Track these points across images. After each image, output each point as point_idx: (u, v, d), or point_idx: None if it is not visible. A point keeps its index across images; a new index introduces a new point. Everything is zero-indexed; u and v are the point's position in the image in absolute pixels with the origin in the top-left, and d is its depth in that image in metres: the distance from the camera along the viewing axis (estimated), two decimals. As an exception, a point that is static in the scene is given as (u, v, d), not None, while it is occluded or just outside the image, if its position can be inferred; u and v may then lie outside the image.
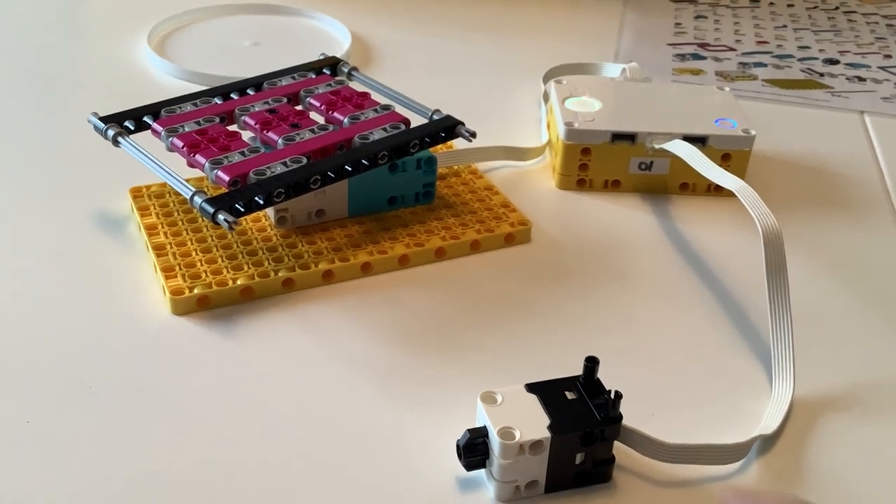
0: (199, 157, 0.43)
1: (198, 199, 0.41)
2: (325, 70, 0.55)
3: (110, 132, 0.46)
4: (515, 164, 0.57)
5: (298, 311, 0.44)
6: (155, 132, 0.46)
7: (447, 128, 0.48)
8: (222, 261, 0.45)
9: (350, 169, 0.44)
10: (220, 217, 0.40)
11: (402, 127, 0.47)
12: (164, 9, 0.77)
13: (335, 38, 0.76)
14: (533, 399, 0.34)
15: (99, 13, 0.80)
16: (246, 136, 0.47)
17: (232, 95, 0.51)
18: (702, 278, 0.48)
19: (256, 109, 0.48)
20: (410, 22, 0.81)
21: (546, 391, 0.34)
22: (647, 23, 0.84)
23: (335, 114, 0.48)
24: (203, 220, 0.48)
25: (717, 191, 0.55)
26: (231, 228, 0.40)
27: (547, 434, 0.33)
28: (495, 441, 0.33)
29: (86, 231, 0.49)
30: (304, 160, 0.44)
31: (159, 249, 0.45)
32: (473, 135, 0.48)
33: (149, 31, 0.73)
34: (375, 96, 0.51)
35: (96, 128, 0.47)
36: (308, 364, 0.41)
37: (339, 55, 0.71)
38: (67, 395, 0.38)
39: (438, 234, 0.48)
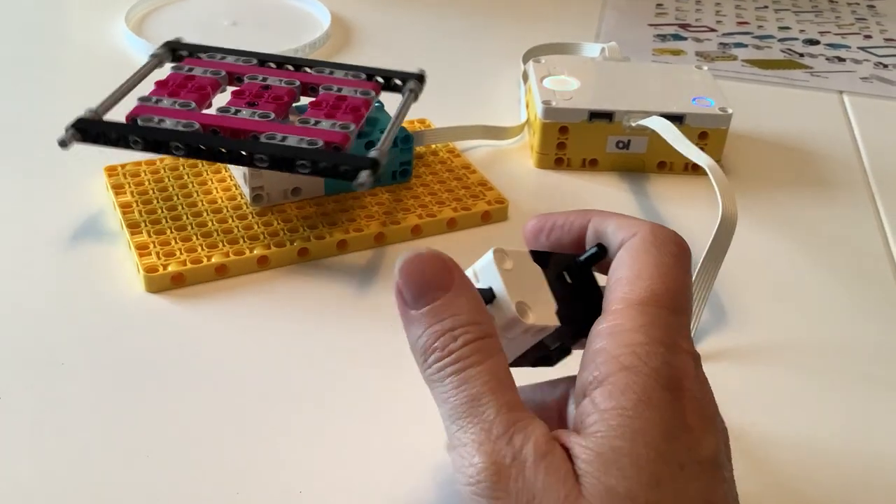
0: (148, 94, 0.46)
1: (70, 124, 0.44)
2: (393, 80, 0.51)
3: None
4: (494, 144, 0.57)
5: (273, 288, 0.44)
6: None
7: (348, 170, 0.41)
8: (197, 238, 0.45)
9: (222, 153, 0.42)
10: (67, 132, 0.43)
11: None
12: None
13: (315, 18, 0.76)
14: (538, 272, 0.30)
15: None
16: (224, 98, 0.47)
17: (270, 64, 0.51)
18: (678, 256, 0.48)
19: (267, 83, 0.48)
20: (391, 1, 0.81)
21: (548, 266, 0.30)
22: (629, 3, 0.84)
23: (310, 111, 0.46)
24: (178, 199, 0.48)
25: (694, 170, 0.55)
26: (63, 144, 0.42)
27: (556, 322, 0.29)
28: (507, 311, 0.28)
29: (60, 209, 0.48)
30: (196, 126, 0.43)
31: (133, 227, 0.45)
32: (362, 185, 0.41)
33: (127, 11, 0.72)
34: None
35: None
36: (283, 341, 0.40)
37: (318, 35, 0.70)
38: (40, 372, 0.38)
39: (415, 211, 0.48)
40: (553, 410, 0.31)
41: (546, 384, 0.32)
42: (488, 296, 0.28)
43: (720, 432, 0.27)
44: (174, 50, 0.53)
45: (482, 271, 0.29)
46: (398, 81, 0.51)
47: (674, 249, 0.29)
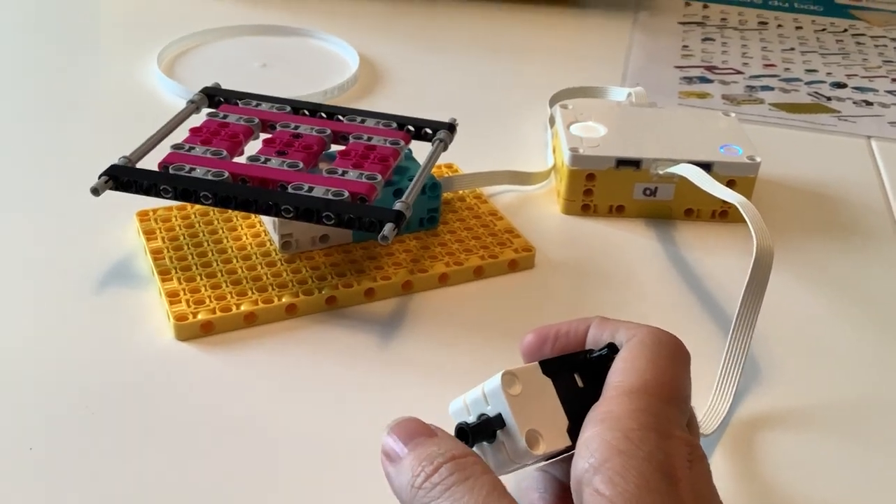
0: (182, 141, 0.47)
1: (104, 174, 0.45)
2: (424, 129, 0.51)
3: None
4: (521, 189, 0.57)
5: (302, 336, 0.44)
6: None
7: (373, 222, 0.42)
8: (226, 286, 0.45)
9: (250, 203, 0.43)
10: (99, 179, 0.44)
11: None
12: (173, 30, 0.78)
13: (343, 60, 0.77)
14: (549, 386, 0.30)
15: (109, 35, 0.81)
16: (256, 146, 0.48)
17: (304, 112, 0.52)
18: (704, 304, 0.48)
19: (299, 131, 0.49)
20: (419, 44, 0.82)
21: (559, 374, 0.30)
22: (655, 44, 0.84)
23: (338, 160, 0.47)
24: (208, 245, 0.48)
25: (721, 217, 0.55)
26: (95, 192, 0.43)
27: (568, 442, 0.29)
28: (518, 441, 0.28)
29: (91, 254, 0.49)
30: (226, 175, 0.44)
31: (164, 274, 0.46)
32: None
33: (158, 53, 0.73)
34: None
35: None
36: (311, 389, 0.41)
37: (346, 77, 0.71)
38: (70, 420, 0.38)
39: (442, 259, 0.48)
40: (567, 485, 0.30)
41: (559, 460, 0.31)
42: (499, 423, 0.29)
43: None
44: (211, 96, 0.53)
45: (491, 396, 0.29)
46: (429, 130, 0.51)
47: (671, 349, 0.30)
